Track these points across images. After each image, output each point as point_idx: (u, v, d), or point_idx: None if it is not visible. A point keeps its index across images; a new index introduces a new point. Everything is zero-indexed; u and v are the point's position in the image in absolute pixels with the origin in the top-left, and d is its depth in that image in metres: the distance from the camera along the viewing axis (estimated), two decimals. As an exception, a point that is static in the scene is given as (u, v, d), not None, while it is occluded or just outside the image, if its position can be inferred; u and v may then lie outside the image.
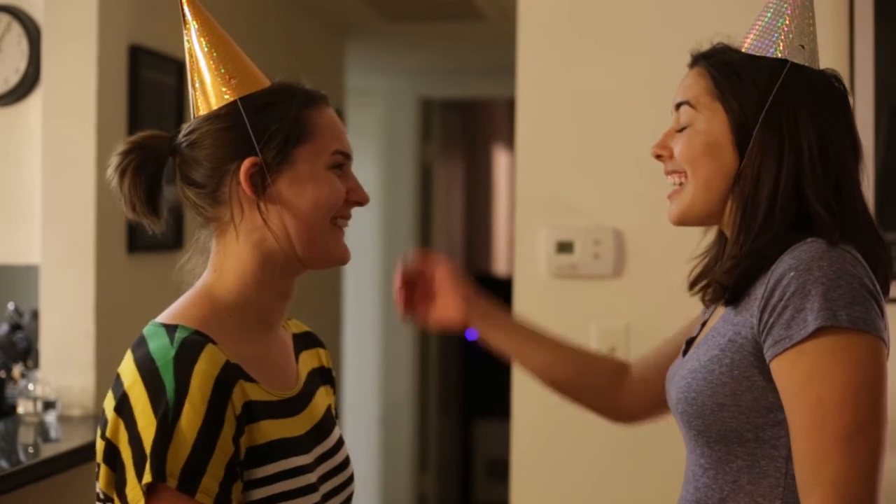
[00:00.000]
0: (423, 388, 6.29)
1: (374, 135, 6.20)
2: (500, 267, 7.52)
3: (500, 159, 7.67)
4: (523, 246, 2.59)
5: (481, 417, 6.73)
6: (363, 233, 6.09)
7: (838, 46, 2.48)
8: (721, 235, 1.66)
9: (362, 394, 6.11)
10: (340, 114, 4.93)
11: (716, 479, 1.52)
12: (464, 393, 6.87)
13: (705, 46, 1.63)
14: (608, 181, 2.56)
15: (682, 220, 1.61)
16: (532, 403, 2.58)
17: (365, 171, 6.14)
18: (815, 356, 1.41)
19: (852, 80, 2.47)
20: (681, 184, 1.59)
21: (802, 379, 1.42)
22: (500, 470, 5.82)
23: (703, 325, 1.68)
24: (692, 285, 1.68)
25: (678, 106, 1.60)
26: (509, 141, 6.92)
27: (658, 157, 1.62)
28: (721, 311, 1.58)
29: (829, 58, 2.47)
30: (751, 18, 1.61)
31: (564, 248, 2.57)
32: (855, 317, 1.41)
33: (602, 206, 2.57)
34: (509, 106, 2.76)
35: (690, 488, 1.56)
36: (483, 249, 7.60)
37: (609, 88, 2.58)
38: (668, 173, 1.62)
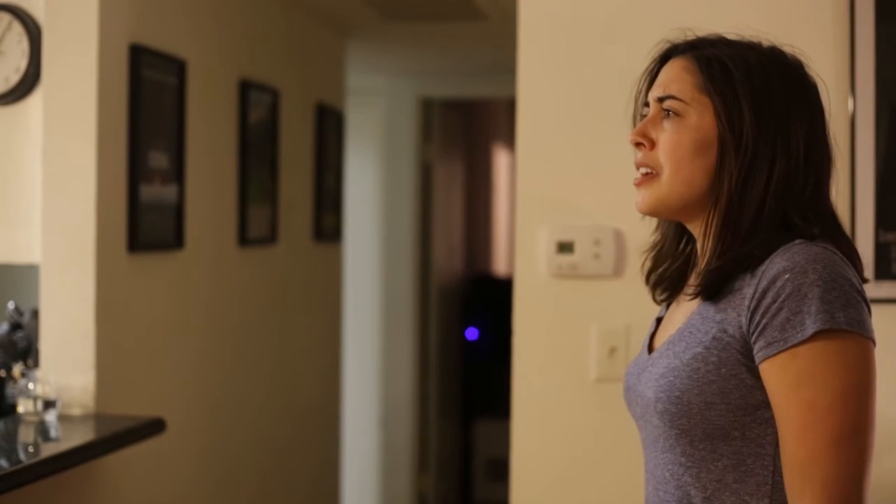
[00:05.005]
0: (423, 389, 6.29)
1: (374, 135, 6.20)
2: (500, 267, 7.51)
3: (500, 159, 7.67)
4: (523, 246, 2.59)
5: (481, 417, 6.72)
6: (363, 232, 6.09)
7: (838, 46, 2.48)
8: (678, 229, 1.64)
9: (362, 394, 6.11)
10: (340, 114, 4.94)
11: (699, 477, 1.51)
12: (464, 393, 6.86)
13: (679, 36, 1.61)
14: (608, 181, 2.56)
15: (654, 212, 1.58)
16: (532, 403, 2.58)
17: (365, 171, 6.15)
18: (809, 359, 1.41)
19: (853, 80, 2.47)
20: (651, 174, 1.56)
21: (794, 381, 1.42)
22: (500, 470, 5.81)
23: (660, 320, 1.68)
24: (647, 278, 1.67)
25: (661, 100, 1.56)
26: (509, 141, 6.91)
27: (637, 144, 1.58)
28: (689, 306, 1.58)
29: (829, 58, 2.48)
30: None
31: (565, 248, 2.56)
32: (851, 319, 1.42)
33: (602, 206, 2.57)
34: (509, 106, 2.76)
35: (670, 487, 1.54)
36: (483, 249, 7.60)
37: (609, 88, 2.57)
38: (640, 164, 1.58)
